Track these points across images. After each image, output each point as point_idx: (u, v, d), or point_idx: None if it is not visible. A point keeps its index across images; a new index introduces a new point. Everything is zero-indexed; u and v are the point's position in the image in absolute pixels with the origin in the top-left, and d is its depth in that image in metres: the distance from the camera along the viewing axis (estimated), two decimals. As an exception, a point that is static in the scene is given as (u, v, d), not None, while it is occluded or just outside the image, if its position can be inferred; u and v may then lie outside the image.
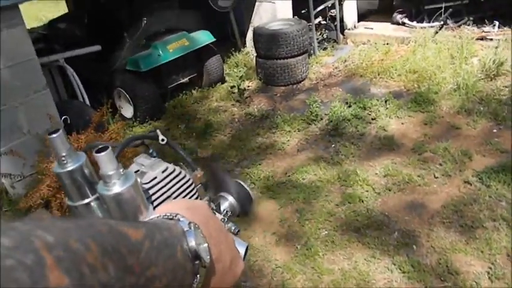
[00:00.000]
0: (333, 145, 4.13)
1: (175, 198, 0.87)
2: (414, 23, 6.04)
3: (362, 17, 6.65)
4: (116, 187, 0.74)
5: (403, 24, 6.14)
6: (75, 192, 0.86)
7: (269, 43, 5.19)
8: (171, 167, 0.87)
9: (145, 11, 4.89)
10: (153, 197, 0.85)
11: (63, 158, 0.84)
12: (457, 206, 3.16)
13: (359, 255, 2.91)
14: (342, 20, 6.32)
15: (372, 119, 4.38)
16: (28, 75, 3.87)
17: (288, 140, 4.35)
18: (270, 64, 5.32)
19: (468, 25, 5.69)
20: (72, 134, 3.74)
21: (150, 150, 0.89)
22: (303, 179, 3.74)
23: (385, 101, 4.56)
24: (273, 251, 3.08)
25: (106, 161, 0.73)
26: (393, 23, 6.23)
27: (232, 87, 5.29)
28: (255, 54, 5.56)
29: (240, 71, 5.28)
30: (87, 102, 4.65)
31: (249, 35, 6.08)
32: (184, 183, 0.89)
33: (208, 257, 0.50)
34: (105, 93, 4.63)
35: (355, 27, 6.46)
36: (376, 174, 3.65)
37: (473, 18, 5.68)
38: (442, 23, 5.83)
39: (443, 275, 2.67)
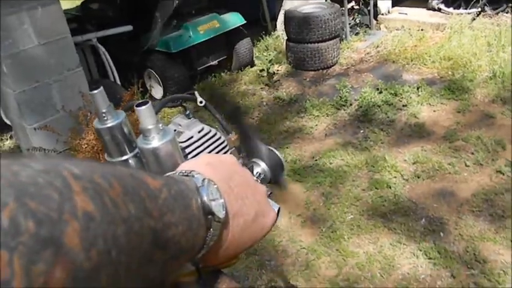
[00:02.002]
0: (362, 131, 4.09)
1: (210, 158, 0.89)
2: (451, 9, 5.87)
3: (397, 2, 6.51)
4: (155, 141, 0.75)
5: (439, 10, 5.98)
6: (114, 148, 0.88)
7: (300, 26, 5.15)
8: (206, 127, 0.88)
9: (178, -9, 4.90)
10: (189, 156, 0.86)
11: (103, 114, 0.86)
12: (488, 195, 3.09)
13: (384, 240, 2.89)
14: (375, 5, 6.21)
15: (403, 106, 4.30)
16: (62, 53, 3.94)
17: (316, 125, 4.32)
18: (300, 48, 5.27)
19: (506, 12, 5.50)
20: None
21: (187, 112, 0.90)
22: (330, 164, 3.72)
23: (417, 88, 4.47)
24: (298, 232, 3.09)
25: (146, 115, 0.74)
26: (429, 9, 6.08)
27: (261, 70, 5.28)
28: (286, 38, 5.52)
29: (269, 54, 5.25)
30: (118, 81, 4.72)
31: (280, 18, 6.04)
32: (219, 145, 0.90)
33: (223, 212, 0.50)
34: (136, 74, 4.68)
35: (389, 12, 6.33)
36: (405, 161, 3.60)
37: (513, 5, 5.49)
38: (479, 9, 5.66)
39: (470, 262, 2.63)
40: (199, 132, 0.88)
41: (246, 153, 1.00)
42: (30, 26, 3.68)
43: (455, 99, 4.27)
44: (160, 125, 0.76)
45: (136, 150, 0.87)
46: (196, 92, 0.90)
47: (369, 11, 6.12)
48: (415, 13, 6.13)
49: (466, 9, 5.76)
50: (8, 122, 4.55)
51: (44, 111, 3.93)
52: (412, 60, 5.06)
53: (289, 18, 5.28)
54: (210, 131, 0.88)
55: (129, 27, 4.75)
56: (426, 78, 4.70)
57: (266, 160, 0.99)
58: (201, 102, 0.91)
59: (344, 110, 4.45)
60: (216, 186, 0.52)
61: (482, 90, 4.31)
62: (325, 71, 5.34)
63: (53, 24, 3.84)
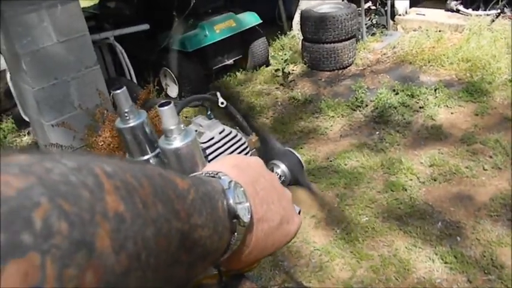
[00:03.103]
0: (378, 132, 4.06)
1: (230, 159, 0.88)
2: (469, 10, 5.79)
3: (414, 2, 6.43)
4: (177, 142, 0.75)
5: (458, 11, 5.90)
6: (136, 148, 0.88)
7: (316, 26, 5.12)
8: (228, 128, 0.88)
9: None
10: (210, 157, 0.86)
11: (125, 114, 0.86)
12: (506, 200, 3.04)
13: (400, 243, 2.86)
14: (392, 6, 6.15)
15: (420, 108, 4.26)
16: (80, 51, 3.98)
17: (331, 125, 4.30)
18: (316, 48, 5.25)
19: (527, 14, 5.41)
20: (120, 110, 3.84)
21: (208, 112, 0.90)
22: (345, 165, 3.70)
23: (435, 90, 4.42)
24: (311, 233, 3.08)
25: (168, 115, 0.74)
26: (447, 10, 6.00)
27: (276, 70, 5.27)
28: (301, 38, 5.50)
29: (285, 54, 5.24)
30: (135, 80, 4.76)
31: (296, 18, 6.02)
32: (240, 146, 0.90)
33: (249, 216, 0.50)
34: (152, 72, 4.71)
35: (406, 13, 6.27)
36: (422, 163, 3.56)
37: (534, 6, 5.40)
38: (499, 11, 5.57)
39: (487, 267, 2.59)
40: (220, 133, 0.87)
41: (264, 155, 1.00)
42: (50, 24, 3.72)
43: (474, 101, 4.21)
44: (182, 126, 0.76)
45: (158, 150, 0.87)
46: (218, 93, 0.89)
47: (385, 11, 6.06)
48: (433, 14, 6.06)
49: (485, 10, 5.68)
50: (26, 118, 4.61)
51: (61, 108, 3.97)
52: (429, 62, 5.01)
53: (305, 17, 5.26)
54: (231, 132, 0.88)
55: (146, 26, 4.78)
56: (444, 80, 4.65)
57: (285, 161, 0.98)
58: (222, 103, 0.91)
59: (359, 111, 4.42)
60: (242, 189, 0.51)
61: (501, 93, 4.25)
62: (340, 71, 5.31)
63: (71, 22, 3.88)
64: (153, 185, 0.35)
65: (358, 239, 2.95)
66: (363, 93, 4.57)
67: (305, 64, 5.46)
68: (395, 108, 4.27)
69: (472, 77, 4.55)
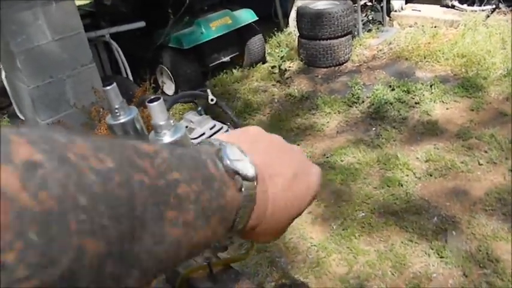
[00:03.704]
0: (374, 128, 4.07)
1: (221, 155, 0.89)
2: (465, 6, 5.80)
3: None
4: (166, 137, 0.75)
5: (453, 7, 5.91)
6: (126, 144, 0.89)
7: (312, 23, 5.12)
8: (218, 124, 0.89)
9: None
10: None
11: (116, 110, 0.86)
12: (501, 194, 3.05)
13: (396, 238, 2.88)
14: (388, 2, 6.14)
15: (416, 103, 4.27)
16: (76, 49, 3.98)
17: (328, 122, 4.31)
18: (312, 45, 5.25)
19: (522, 9, 5.42)
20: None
21: (199, 108, 0.90)
22: (341, 161, 3.71)
23: (430, 86, 4.43)
24: (308, 229, 3.09)
25: (158, 111, 0.74)
26: (442, 6, 6.00)
27: (273, 67, 5.27)
28: (298, 35, 5.50)
29: (281, 51, 5.24)
30: (131, 77, 4.75)
31: (292, 15, 6.01)
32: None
33: (253, 171, 0.46)
34: (149, 70, 4.70)
35: (402, 9, 6.27)
36: (418, 158, 3.57)
37: (529, 1, 5.41)
38: (494, 6, 5.58)
39: (482, 261, 2.60)
40: (211, 129, 0.88)
41: None
42: (44, 22, 3.71)
43: (469, 96, 4.22)
44: (172, 121, 0.76)
45: (149, 145, 0.87)
46: (208, 90, 0.90)
47: (381, 7, 6.06)
48: (428, 10, 6.06)
49: (480, 6, 5.68)
50: (21, 117, 4.60)
51: (57, 107, 3.97)
52: (425, 58, 5.01)
53: (301, 14, 5.25)
54: (222, 127, 0.89)
55: (142, 24, 4.78)
56: (439, 75, 4.66)
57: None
58: (212, 99, 0.91)
59: (356, 107, 4.43)
60: (237, 146, 0.47)
61: (496, 88, 4.26)
62: (337, 68, 5.31)
63: (66, 19, 3.87)
64: (97, 145, 0.33)
65: (354, 234, 2.96)
66: (359, 89, 4.58)
67: (301, 61, 5.46)
68: (391, 104, 4.28)
69: (467, 73, 4.56)
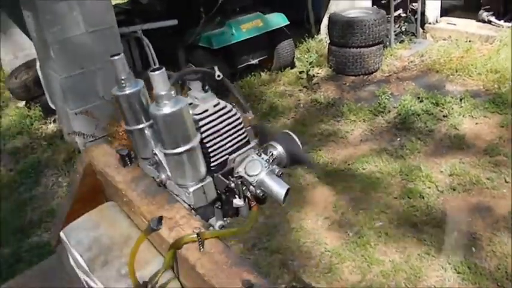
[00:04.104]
0: (399, 139, 4.00)
1: (224, 133, 0.88)
2: (501, 22, 5.65)
3: (445, 12, 6.33)
4: (167, 108, 0.76)
5: (489, 22, 5.77)
6: (131, 116, 0.89)
7: (344, 30, 5.09)
8: (223, 102, 0.89)
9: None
10: (203, 129, 0.86)
11: (122, 81, 0.88)
12: (527, 214, 2.95)
13: (413, 250, 2.81)
14: (423, 14, 6.06)
15: (444, 116, 4.17)
16: (108, 42, 4.05)
17: (352, 130, 4.26)
18: (342, 52, 5.21)
19: (562, 27, 5.24)
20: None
21: (206, 87, 0.90)
22: (362, 169, 3.65)
23: (460, 99, 4.33)
24: (323, 235, 3.05)
25: (159, 80, 0.75)
26: (478, 21, 5.88)
27: (301, 72, 5.25)
28: (328, 41, 5.47)
29: (310, 56, 5.22)
30: (160, 74, 4.81)
31: (324, 22, 5.99)
32: (234, 121, 0.90)
33: None
34: (177, 68, 4.76)
35: (436, 21, 6.16)
36: (441, 172, 3.49)
37: None
38: (532, 23, 5.42)
39: (501, 280, 2.52)
40: (214, 106, 0.88)
41: (262, 137, 0.99)
42: (79, 14, 3.80)
43: (500, 113, 4.10)
44: (173, 93, 0.76)
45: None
46: (215, 67, 0.90)
47: (416, 19, 5.98)
48: (464, 24, 5.94)
49: (518, 22, 5.53)
50: (52, 106, 4.72)
51: (86, 97, 4.05)
52: (457, 71, 4.90)
53: (333, 21, 5.23)
54: (226, 106, 0.88)
55: (174, 22, 4.84)
56: (470, 90, 4.54)
57: (282, 143, 0.97)
58: (218, 76, 0.91)
59: (382, 116, 4.36)
60: None
61: (529, 106, 4.12)
62: (366, 76, 5.25)
63: (101, 13, 3.96)
64: None
65: (370, 243, 2.91)
66: (386, 99, 4.51)
67: (330, 68, 5.43)
68: (418, 115, 4.19)
69: (499, 88, 4.43)
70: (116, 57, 0.83)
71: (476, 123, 4.03)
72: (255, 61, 5.41)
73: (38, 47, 4.19)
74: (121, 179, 0.94)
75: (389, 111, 4.39)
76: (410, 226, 3.01)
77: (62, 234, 0.92)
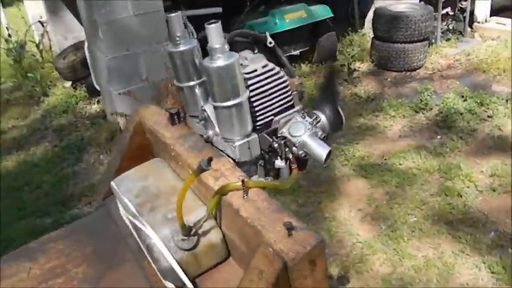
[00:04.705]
0: (439, 136, 3.92)
1: (270, 94, 0.91)
2: (556, 23, 5.45)
3: (496, 11, 6.13)
4: (220, 61, 0.79)
5: (543, 23, 5.57)
6: (183, 73, 0.93)
7: (389, 25, 5.01)
8: (271, 64, 0.91)
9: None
10: (251, 88, 0.89)
11: (177, 38, 0.92)
12: None
13: (447, 247, 2.77)
14: (472, 13, 5.90)
15: (488, 117, 4.06)
16: (154, 26, 4.15)
17: (391, 125, 4.21)
18: (386, 47, 5.14)
19: None
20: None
21: (256, 51, 0.93)
22: (399, 164, 3.61)
23: (506, 101, 4.21)
24: (356, 226, 3.04)
25: (214, 34, 0.78)
26: (531, 21, 5.68)
27: (342, 65, 5.21)
28: (372, 36, 5.40)
29: (353, 50, 5.17)
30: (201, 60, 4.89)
31: (369, 17, 5.92)
32: (281, 83, 0.92)
33: None
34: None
35: (486, 21, 5.98)
36: (482, 172, 3.40)
37: None
38: None
39: (538, 284, 2.45)
40: (263, 67, 0.90)
41: (317, 101, 1.01)
42: (128, -3, 3.90)
43: (548, 116, 3.96)
44: (227, 47, 0.80)
45: (203, 78, 0.91)
46: (267, 33, 0.92)
47: (464, 17, 5.83)
48: (515, 24, 5.75)
49: None
50: (97, 87, 4.88)
51: (129, 79, 4.16)
52: (504, 71, 4.76)
53: (378, 15, 5.16)
54: (274, 68, 0.91)
55: (219, 9, 4.89)
56: (518, 91, 4.40)
57: (327, 114, 0.99)
58: (270, 42, 0.94)
59: (423, 113, 4.29)
60: None
61: None
62: (408, 73, 5.16)
63: (147, -3, 4.05)
64: None
65: (403, 237, 2.88)
66: (428, 95, 4.43)
67: (372, 62, 5.36)
68: (461, 114, 4.10)
69: (549, 91, 4.28)
70: (172, 15, 0.86)
71: (522, 125, 3.91)
72: (296, 52, 5.41)
73: (87, 28, 4.33)
74: (170, 135, 0.99)
75: (431, 109, 4.31)
76: (445, 223, 2.96)
77: (112, 183, 0.97)
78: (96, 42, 4.13)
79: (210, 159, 0.72)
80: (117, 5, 3.89)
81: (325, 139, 0.89)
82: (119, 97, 4.15)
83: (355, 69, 5.18)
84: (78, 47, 5.36)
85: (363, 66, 5.41)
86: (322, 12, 5.24)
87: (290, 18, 4.98)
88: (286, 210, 0.74)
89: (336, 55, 5.60)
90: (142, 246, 0.86)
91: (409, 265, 2.68)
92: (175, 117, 1.01)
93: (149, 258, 0.82)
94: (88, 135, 4.61)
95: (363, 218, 3.11)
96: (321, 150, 0.85)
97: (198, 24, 4.94)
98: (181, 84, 0.93)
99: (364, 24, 6.22)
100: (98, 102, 5.16)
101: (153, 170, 0.98)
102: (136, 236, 0.89)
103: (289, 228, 0.67)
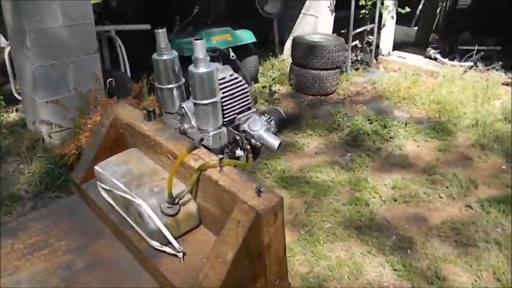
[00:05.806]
0: (350, 154, 4.37)
1: (235, 97, 1.14)
2: (446, 60, 6.30)
3: (397, 46, 6.92)
4: (202, 68, 1.01)
5: (435, 59, 6.40)
6: (164, 77, 1.14)
7: (306, 53, 5.48)
8: (235, 74, 1.15)
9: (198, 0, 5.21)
10: (221, 91, 1.12)
11: (162, 49, 1.12)
12: (455, 224, 3.36)
13: (356, 249, 3.13)
14: (377, 46, 6.62)
15: (390, 138, 4.61)
16: (83, 37, 4.18)
17: (309, 142, 4.60)
18: (303, 73, 5.60)
19: (497, 70, 5.92)
20: (113, 97, 4.08)
21: (221, 63, 1.17)
22: (316, 177, 3.98)
23: (405, 124, 4.80)
24: (277, 232, 3.31)
25: (200, 48, 1.00)
26: (426, 57, 6.51)
27: (263, 87, 5.58)
28: (291, 62, 5.85)
29: (273, 73, 5.56)
30: (129, 74, 4.98)
31: (288, 44, 6.39)
32: (243, 89, 1.16)
33: None
34: (147, 72, 4.93)
35: (389, 54, 6.74)
36: (385, 185, 3.87)
37: (503, 64, 5.92)
38: (472, 64, 6.08)
39: (431, 278, 2.87)
40: (230, 75, 1.14)
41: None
42: (59, 6, 3.93)
43: (439, 139, 4.60)
44: (209, 58, 1.02)
45: (181, 82, 1.13)
46: (230, 49, 1.16)
47: (371, 50, 6.52)
48: (412, 59, 6.55)
49: (460, 61, 6.18)
50: (17, 95, 4.75)
51: (56, 88, 4.14)
52: (404, 99, 5.42)
53: (297, 43, 5.62)
54: (238, 76, 1.15)
55: (147, 26, 5.04)
56: (415, 117, 5.05)
57: (274, 114, 1.25)
58: (232, 56, 1.18)
59: (336, 133, 4.74)
60: None
61: (464, 135, 4.65)
62: (323, 97, 5.66)
63: (80, 8, 4.10)
64: None
65: (319, 241, 3.20)
66: (340, 117, 4.92)
67: (291, 86, 5.80)
68: (368, 134, 4.61)
69: (440, 118, 4.97)
70: (159, 30, 1.07)
71: (418, 146, 4.49)
72: (221, 72, 5.67)
73: (12, 35, 4.25)
74: (148, 128, 1.17)
75: (343, 129, 4.79)
76: (355, 229, 3.34)
77: (97, 167, 1.13)
78: (22, 50, 4.08)
79: (201, 139, 0.92)
80: (48, 13, 3.90)
81: (276, 134, 1.14)
82: (44, 105, 4.11)
83: (275, 91, 5.56)
84: (-6, 53, 5.17)
85: (283, 88, 5.82)
86: (246, 36, 5.59)
87: (217, 40, 5.25)
88: (254, 181, 0.97)
89: (257, 77, 5.96)
90: (128, 217, 1.03)
91: (325, 265, 3.00)
92: (152, 114, 1.20)
93: (137, 224, 1.00)
94: (6, 144, 4.46)
95: (284, 224, 3.39)
96: (274, 141, 1.09)
97: (126, 39, 5.05)
98: (162, 86, 1.13)
99: (283, 50, 6.68)
100: (17, 110, 5.01)
101: (132, 157, 1.16)
102: (120, 210, 1.05)
103: (259, 191, 0.90)
